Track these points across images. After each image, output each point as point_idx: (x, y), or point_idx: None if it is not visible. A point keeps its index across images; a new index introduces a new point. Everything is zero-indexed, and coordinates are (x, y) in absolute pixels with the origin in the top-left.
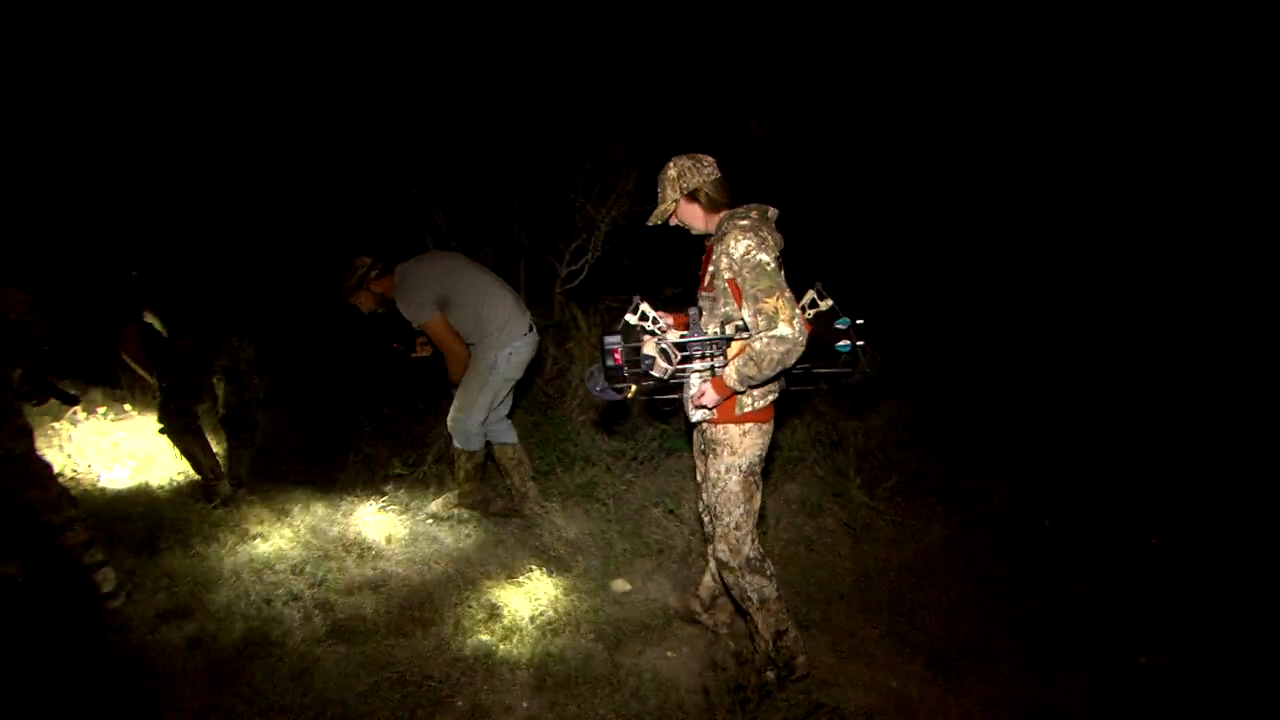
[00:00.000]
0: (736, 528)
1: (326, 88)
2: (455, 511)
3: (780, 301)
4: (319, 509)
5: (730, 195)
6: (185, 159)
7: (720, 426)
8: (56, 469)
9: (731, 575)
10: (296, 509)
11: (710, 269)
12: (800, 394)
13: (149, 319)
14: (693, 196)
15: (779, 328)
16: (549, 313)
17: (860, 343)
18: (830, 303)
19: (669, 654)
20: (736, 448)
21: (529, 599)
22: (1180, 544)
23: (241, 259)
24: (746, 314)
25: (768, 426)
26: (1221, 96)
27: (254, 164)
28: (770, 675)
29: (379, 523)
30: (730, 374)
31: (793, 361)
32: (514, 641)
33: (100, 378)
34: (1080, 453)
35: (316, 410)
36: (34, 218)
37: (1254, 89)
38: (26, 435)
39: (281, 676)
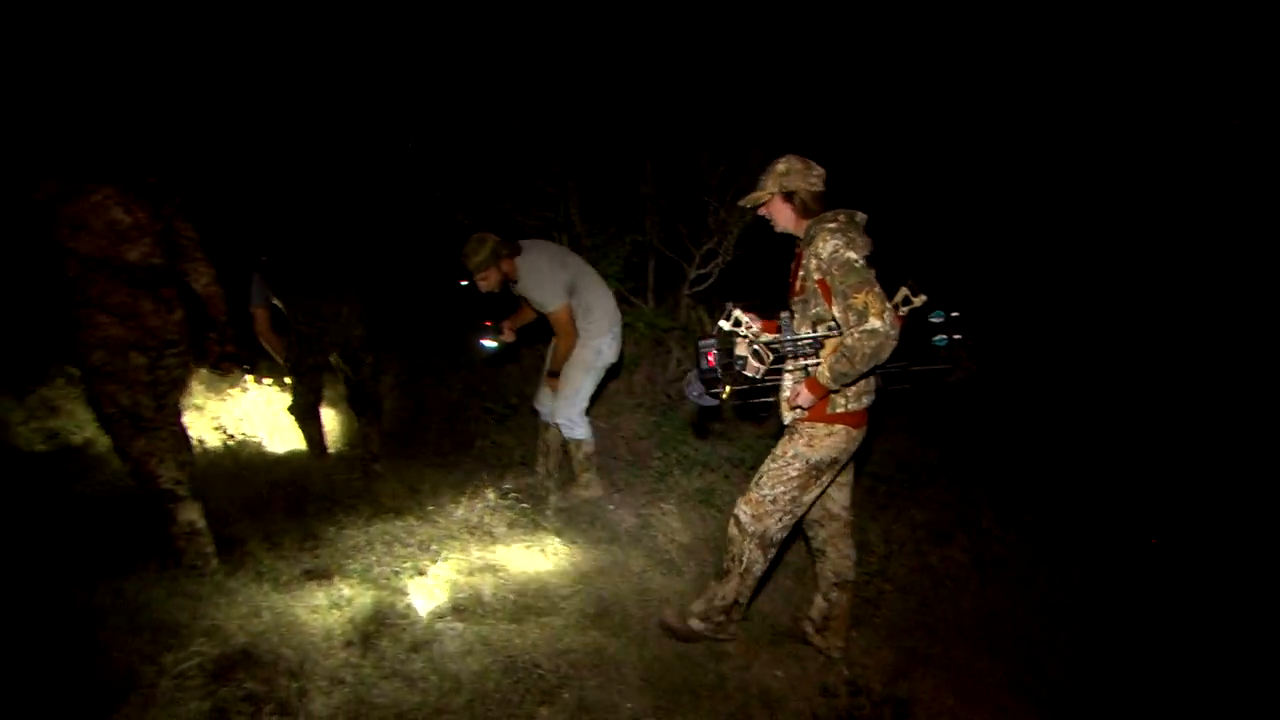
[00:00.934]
0: (773, 502)
1: (472, 86)
2: (574, 503)
3: (870, 296)
4: (446, 490)
5: (823, 209)
6: (338, 151)
7: (808, 423)
8: (230, 433)
9: (739, 532)
10: (426, 488)
11: (800, 273)
12: (934, 410)
13: (277, 302)
14: (789, 197)
15: (869, 321)
16: (675, 314)
17: (958, 336)
18: (924, 298)
19: (778, 672)
20: (814, 441)
21: (639, 599)
22: None
23: (361, 243)
24: (837, 311)
25: (857, 433)
26: (1221, 97)
27: (398, 156)
28: (698, 624)
29: (501, 509)
30: (824, 372)
31: (886, 356)
32: (623, 640)
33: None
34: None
35: (449, 397)
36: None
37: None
38: (184, 390)
39: (405, 645)
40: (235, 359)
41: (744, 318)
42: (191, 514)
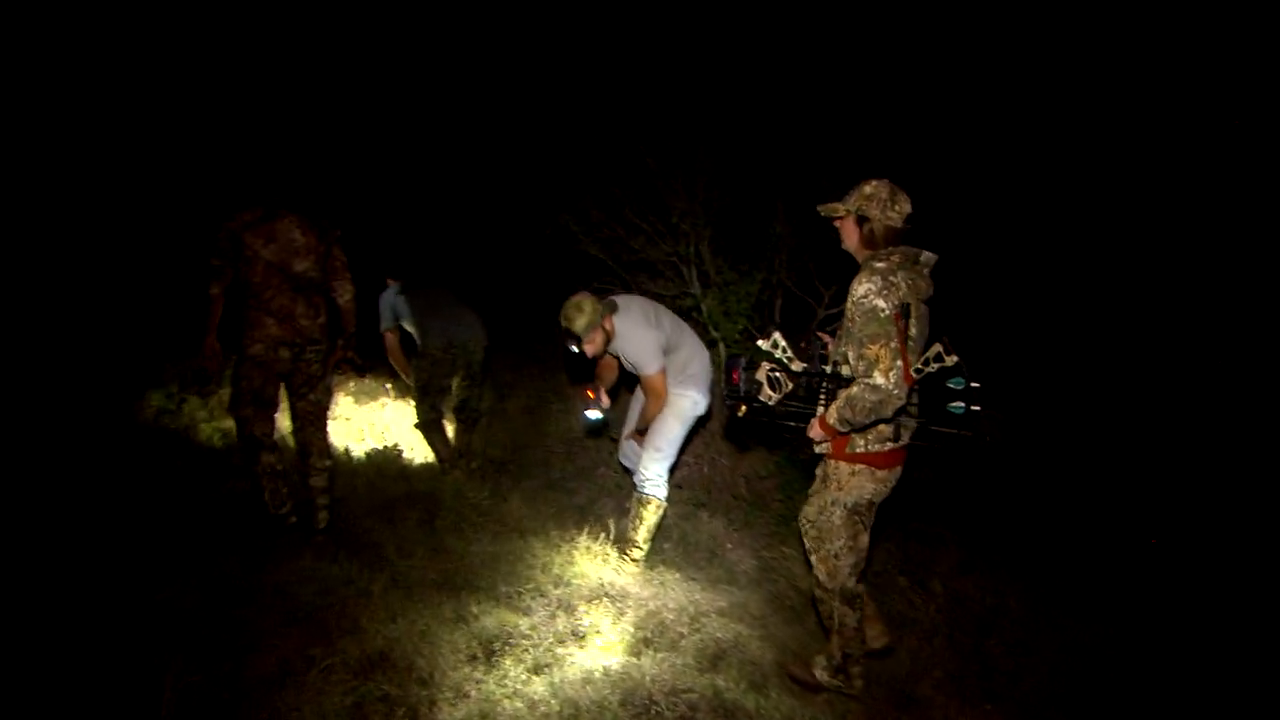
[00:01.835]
0: (836, 557)
1: (613, 123)
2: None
3: (883, 350)
4: (569, 515)
5: (892, 244)
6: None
7: (833, 461)
8: (373, 444)
9: (823, 593)
10: (550, 511)
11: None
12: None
13: (407, 326)
14: (862, 221)
15: (875, 377)
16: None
17: (976, 407)
18: (956, 359)
19: None
20: (843, 484)
21: (759, 644)
22: None
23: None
24: (851, 355)
25: (883, 474)
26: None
27: (530, 194)
28: (823, 673)
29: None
30: (831, 414)
31: (888, 413)
32: (742, 685)
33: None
34: None
35: (572, 424)
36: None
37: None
38: (329, 393)
39: (526, 666)
40: (352, 362)
41: (782, 342)
42: (271, 458)
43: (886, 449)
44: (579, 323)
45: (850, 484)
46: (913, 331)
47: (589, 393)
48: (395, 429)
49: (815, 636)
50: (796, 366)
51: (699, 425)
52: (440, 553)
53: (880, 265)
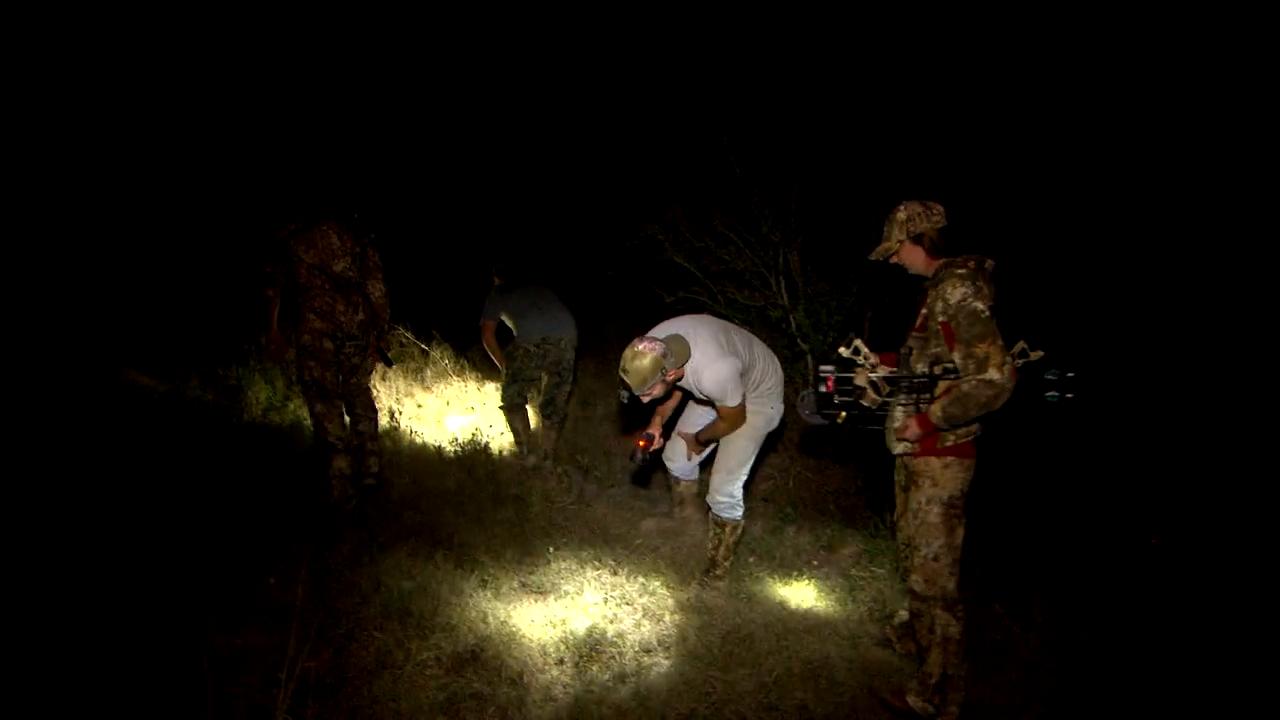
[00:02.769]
0: (935, 559)
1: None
2: (715, 592)
3: (992, 348)
4: (654, 524)
5: (948, 246)
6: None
7: (922, 459)
8: (460, 440)
9: (921, 604)
10: (635, 519)
11: (924, 311)
12: None
13: (505, 319)
14: (918, 240)
15: (989, 372)
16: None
17: (1070, 395)
18: (1041, 354)
19: None
20: (937, 479)
21: (848, 666)
22: None
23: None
24: (957, 357)
25: (970, 462)
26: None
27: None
28: (915, 699)
29: (706, 550)
30: (935, 411)
31: (998, 406)
32: (829, 706)
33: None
34: None
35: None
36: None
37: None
38: (368, 375)
39: (614, 673)
40: (382, 353)
41: (864, 348)
42: (341, 463)
43: (971, 439)
44: (635, 378)
45: (944, 477)
46: None
47: (640, 443)
48: (485, 430)
49: (907, 661)
50: (883, 370)
51: (775, 436)
52: (528, 555)
53: (961, 271)
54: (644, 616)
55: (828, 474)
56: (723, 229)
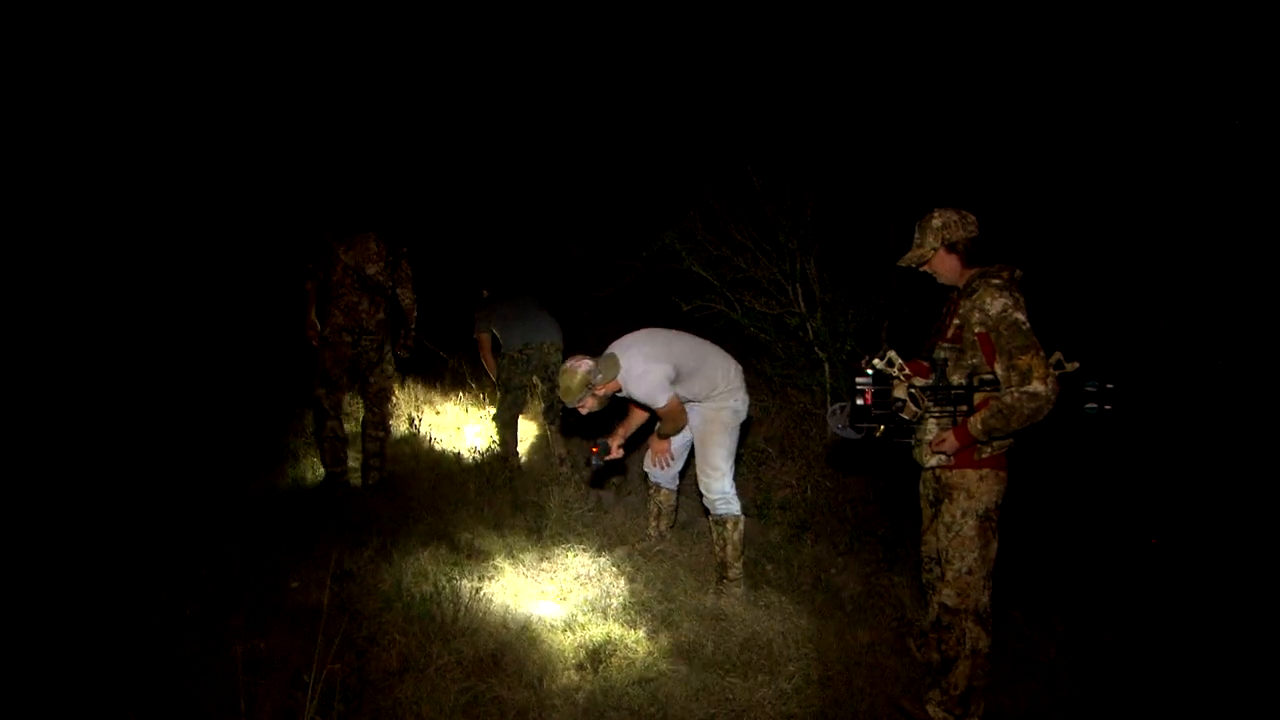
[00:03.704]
0: (969, 572)
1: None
2: (732, 598)
3: (1035, 360)
4: (670, 531)
5: (980, 255)
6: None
7: (956, 471)
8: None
9: (951, 618)
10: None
11: (956, 321)
12: None
13: (494, 330)
14: (953, 249)
15: (1032, 384)
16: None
17: (1109, 407)
18: (1077, 365)
19: None
20: (973, 492)
21: (867, 675)
22: None
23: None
24: (999, 368)
25: (1004, 475)
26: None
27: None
28: (936, 709)
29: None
30: (976, 424)
31: (1040, 419)
32: (847, 715)
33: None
34: None
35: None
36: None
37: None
38: (389, 379)
39: (631, 679)
40: (408, 349)
41: (897, 359)
42: (333, 424)
43: (1004, 451)
44: (565, 392)
45: (980, 490)
46: None
47: (594, 449)
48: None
49: (927, 670)
50: (919, 382)
51: (790, 445)
52: (546, 560)
53: (997, 281)
54: (662, 623)
55: (845, 482)
56: (739, 237)
